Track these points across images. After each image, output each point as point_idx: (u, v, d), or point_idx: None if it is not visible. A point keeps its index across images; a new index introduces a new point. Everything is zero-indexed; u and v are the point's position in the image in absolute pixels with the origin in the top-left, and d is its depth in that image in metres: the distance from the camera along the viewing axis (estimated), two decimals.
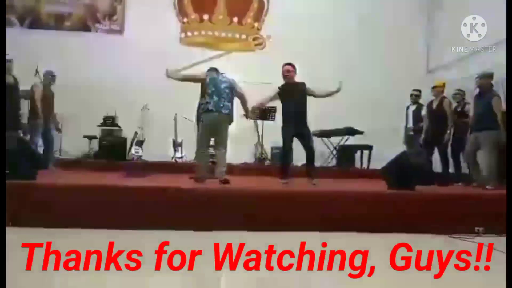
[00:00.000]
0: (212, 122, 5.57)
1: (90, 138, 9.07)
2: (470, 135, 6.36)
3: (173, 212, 4.16)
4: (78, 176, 5.83)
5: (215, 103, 5.50)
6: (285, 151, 5.96)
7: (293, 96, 5.83)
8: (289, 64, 5.97)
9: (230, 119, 5.69)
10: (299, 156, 9.13)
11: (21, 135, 6.98)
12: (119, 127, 9.19)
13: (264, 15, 10.16)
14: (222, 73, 5.83)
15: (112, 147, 8.84)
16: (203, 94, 5.84)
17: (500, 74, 6.55)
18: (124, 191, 4.39)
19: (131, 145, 8.98)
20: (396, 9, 10.02)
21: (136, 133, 9.00)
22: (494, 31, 7.02)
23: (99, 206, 4.13)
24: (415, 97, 7.94)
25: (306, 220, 4.29)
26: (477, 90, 6.38)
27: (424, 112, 7.40)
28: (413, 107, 7.92)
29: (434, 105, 7.07)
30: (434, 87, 7.22)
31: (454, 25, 7.84)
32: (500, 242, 3.86)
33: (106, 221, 4.00)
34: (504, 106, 6.20)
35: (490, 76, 6.28)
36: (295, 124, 5.78)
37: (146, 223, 4.02)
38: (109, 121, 9.14)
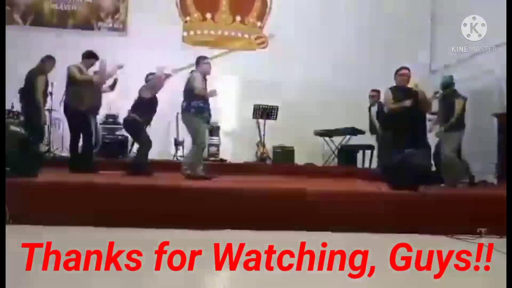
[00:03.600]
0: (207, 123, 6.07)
1: None
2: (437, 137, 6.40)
3: (175, 210, 4.19)
4: (77, 174, 5.89)
5: (208, 106, 5.89)
6: None
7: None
8: (405, 68, 5.96)
9: None
10: (302, 156, 9.25)
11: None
12: (121, 125, 9.18)
13: (267, 14, 10.13)
14: None
15: (113, 145, 8.86)
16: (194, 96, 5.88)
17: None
18: (125, 189, 4.45)
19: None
20: (397, 12, 9.95)
21: None
22: (494, 32, 6.98)
23: (98, 204, 4.15)
24: (373, 97, 7.87)
25: (306, 220, 4.28)
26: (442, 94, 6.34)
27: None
28: (374, 108, 7.81)
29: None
30: None
31: (454, 26, 7.79)
32: (503, 243, 3.83)
33: (106, 219, 4.01)
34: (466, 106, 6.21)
35: (450, 83, 6.23)
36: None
37: (148, 221, 4.03)
38: (111, 120, 9.16)
